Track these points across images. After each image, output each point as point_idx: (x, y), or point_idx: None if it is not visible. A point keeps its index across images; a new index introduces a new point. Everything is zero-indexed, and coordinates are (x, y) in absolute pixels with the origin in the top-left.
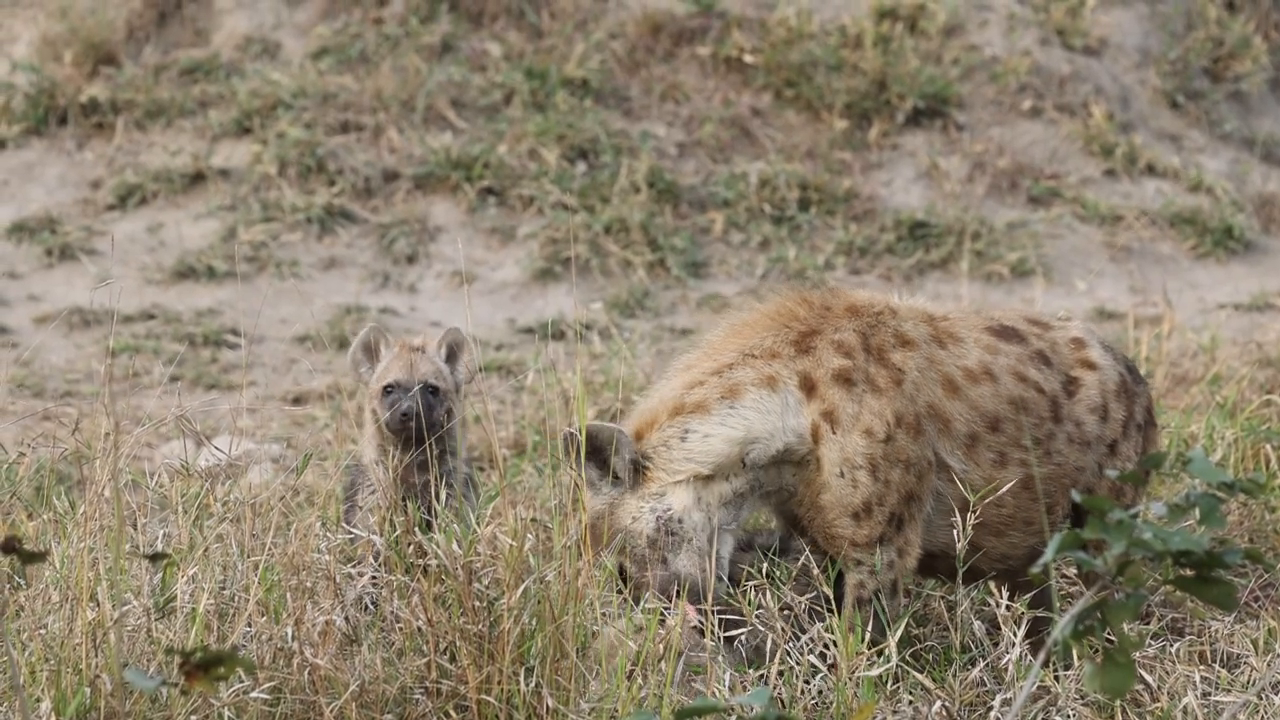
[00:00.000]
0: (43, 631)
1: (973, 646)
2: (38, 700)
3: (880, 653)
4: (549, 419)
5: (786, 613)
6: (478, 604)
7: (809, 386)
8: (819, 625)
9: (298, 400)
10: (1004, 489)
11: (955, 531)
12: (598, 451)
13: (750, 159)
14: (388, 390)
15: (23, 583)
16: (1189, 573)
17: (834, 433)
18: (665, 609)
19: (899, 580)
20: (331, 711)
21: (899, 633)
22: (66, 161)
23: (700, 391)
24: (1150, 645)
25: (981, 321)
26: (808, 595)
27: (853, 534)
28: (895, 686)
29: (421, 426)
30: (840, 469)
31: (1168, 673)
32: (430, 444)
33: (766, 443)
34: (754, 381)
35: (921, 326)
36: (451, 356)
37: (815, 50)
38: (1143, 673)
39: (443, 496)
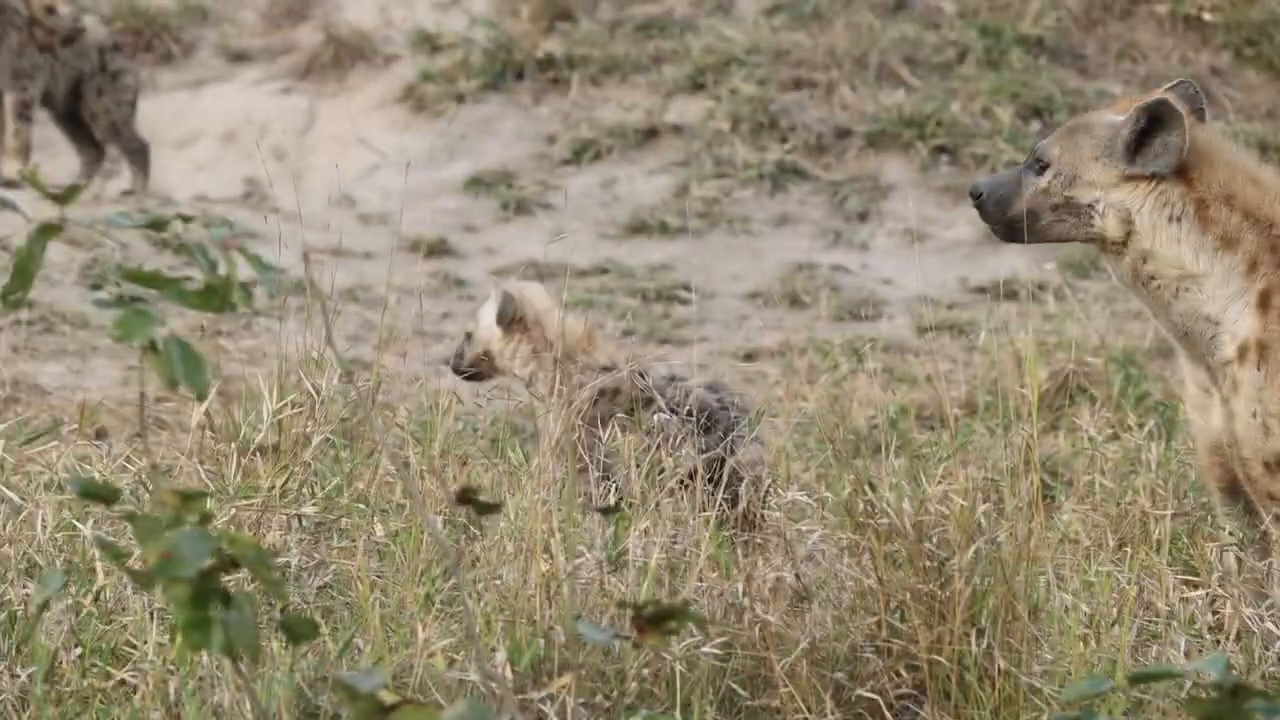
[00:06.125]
0: (498, 582)
1: None
2: (493, 650)
3: None
4: (1000, 379)
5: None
6: (928, 563)
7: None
8: (1279, 591)
9: (749, 356)
10: None
11: None
12: (1146, 134)
13: (1208, 118)
14: None
15: (479, 533)
16: None
17: None
18: None
19: None
20: (782, 668)
21: None
22: (523, 116)
23: None
24: None
25: None
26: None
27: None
28: None
29: None
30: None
31: None
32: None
33: None
34: None
35: None
36: None
37: (1277, 8)
38: None
39: None
